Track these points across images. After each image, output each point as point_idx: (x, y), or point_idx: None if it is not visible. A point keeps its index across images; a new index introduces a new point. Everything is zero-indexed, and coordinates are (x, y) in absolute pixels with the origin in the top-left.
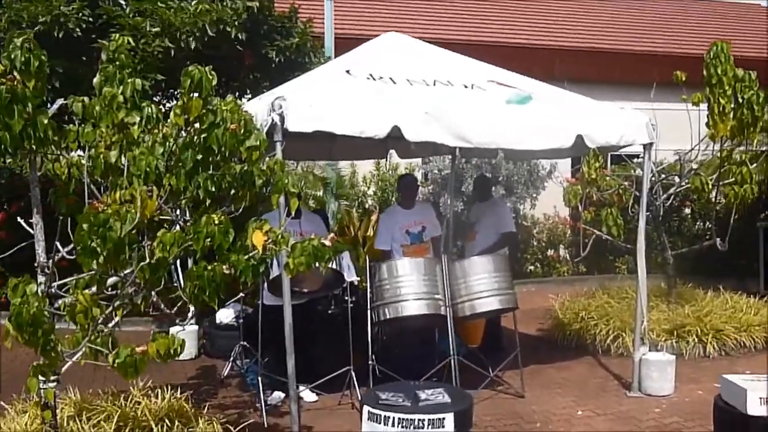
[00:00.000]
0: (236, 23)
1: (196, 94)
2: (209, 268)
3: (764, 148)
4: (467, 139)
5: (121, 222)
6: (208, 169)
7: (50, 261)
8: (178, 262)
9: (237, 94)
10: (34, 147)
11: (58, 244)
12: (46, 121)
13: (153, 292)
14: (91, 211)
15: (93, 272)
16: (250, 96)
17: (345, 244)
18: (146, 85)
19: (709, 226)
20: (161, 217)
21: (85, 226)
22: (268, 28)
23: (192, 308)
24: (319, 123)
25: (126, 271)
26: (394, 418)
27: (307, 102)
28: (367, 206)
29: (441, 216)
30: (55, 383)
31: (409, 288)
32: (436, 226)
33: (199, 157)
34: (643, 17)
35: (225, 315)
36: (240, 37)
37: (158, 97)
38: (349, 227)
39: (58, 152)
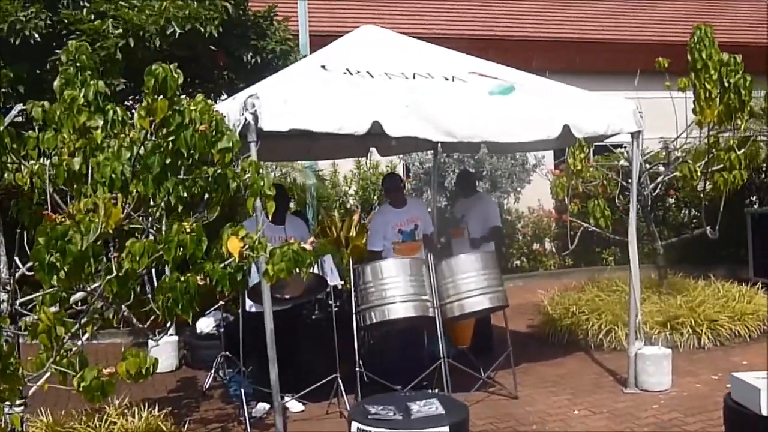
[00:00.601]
0: (211, 20)
1: (161, 96)
2: (182, 279)
3: (749, 134)
4: (450, 132)
5: (81, 234)
6: (178, 173)
7: (11, 278)
8: (153, 272)
9: (212, 95)
10: None
11: (17, 259)
12: (1, 128)
13: (123, 306)
14: (48, 223)
15: (54, 289)
16: (225, 98)
17: (328, 246)
18: (108, 88)
19: (696, 214)
20: (131, 225)
21: (41, 240)
22: (243, 27)
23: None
24: (294, 120)
25: (93, 285)
26: None
27: (281, 98)
28: (348, 206)
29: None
30: (21, 407)
31: (396, 290)
32: (428, 223)
33: (168, 161)
34: (624, 5)
35: (206, 324)
36: (214, 33)
37: (130, 101)
38: (330, 228)
39: (18, 161)
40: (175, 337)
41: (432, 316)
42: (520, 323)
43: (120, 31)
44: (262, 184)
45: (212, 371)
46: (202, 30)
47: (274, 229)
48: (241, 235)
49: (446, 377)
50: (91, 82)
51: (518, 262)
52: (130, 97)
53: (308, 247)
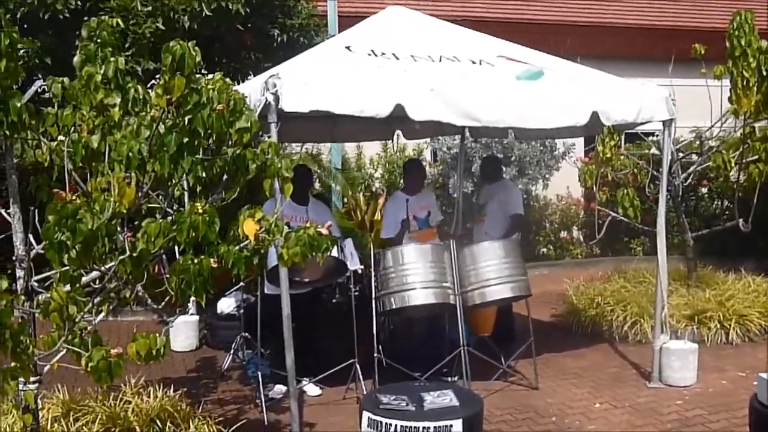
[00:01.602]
0: None
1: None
2: (195, 261)
3: None
4: (475, 117)
5: (92, 213)
6: (195, 153)
7: (27, 255)
8: (177, 253)
9: (238, 76)
10: (7, 132)
11: (31, 237)
12: (18, 104)
13: (139, 287)
14: (58, 201)
15: (66, 268)
16: (251, 78)
17: (350, 228)
18: (139, 67)
19: (728, 205)
20: (150, 205)
21: (51, 218)
22: (270, 6)
23: (192, 300)
24: (315, 102)
25: (108, 265)
26: (396, 425)
27: (303, 79)
28: (374, 189)
29: (450, 198)
30: (36, 384)
31: (416, 276)
32: (438, 213)
33: (185, 140)
34: None
35: (226, 304)
36: (241, 12)
37: (156, 81)
38: (355, 211)
39: (37, 137)
40: (196, 317)
41: (453, 304)
42: (543, 312)
43: (149, 8)
44: (279, 165)
45: (231, 352)
46: (229, 7)
47: (297, 208)
48: (257, 217)
49: (466, 365)
50: (112, 59)
51: (544, 249)
52: (156, 77)
53: (324, 231)
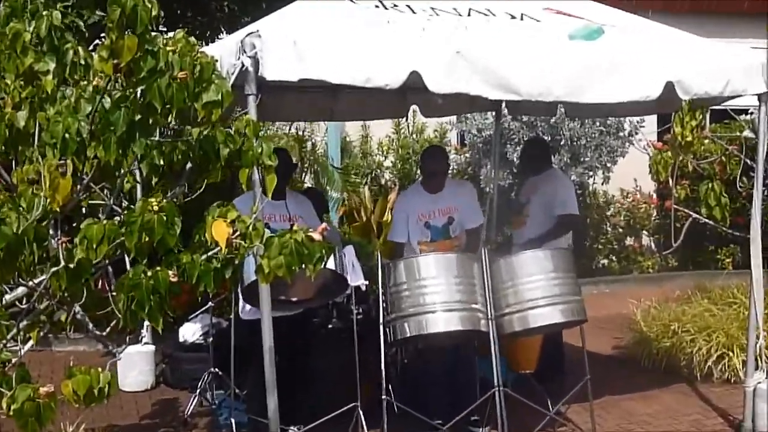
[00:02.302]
0: None
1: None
2: (149, 274)
3: None
4: (514, 89)
5: (17, 212)
6: (149, 134)
7: None
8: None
9: (207, 34)
10: None
11: None
12: None
13: (77, 307)
14: None
15: None
16: (224, 36)
17: (354, 232)
18: (82, 22)
19: None
20: (92, 202)
21: None
22: None
23: (146, 326)
24: (307, 68)
25: (38, 280)
26: None
27: (290, 39)
28: (383, 182)
29: (482, 194)
30: None
31: (437, 295)
32: (472, 215)
33: (137, 118)
34: None
35: (190, 331)
36: None
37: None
38: (359, 211)
39: None
40: (152, 347)
41: (485, 331)
42: (602, 343)
43: None
44: (259, 150)
45: (197, 393)
46: None
47: (274, 205)
48: (230, 217)
49: (501, 411)
50: (45, 13)
51: (605, 261)
52: (102, 35)
53: (317, 236)
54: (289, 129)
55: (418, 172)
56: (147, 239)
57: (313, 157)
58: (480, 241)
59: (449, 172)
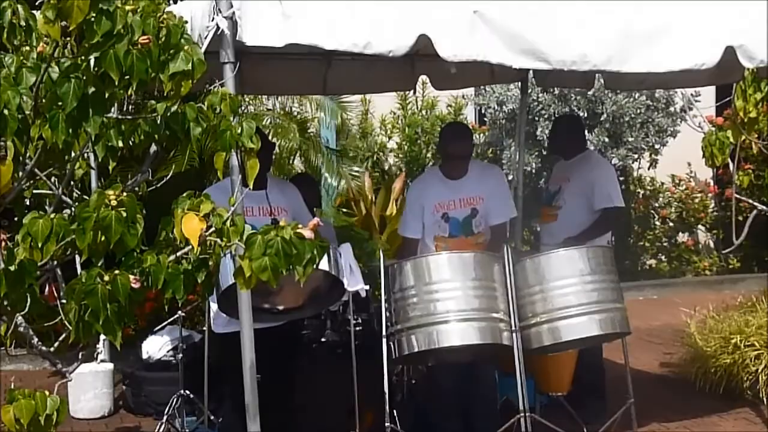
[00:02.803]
0: None
1: None
2: (106, 278)
3: None
4: (542, 55)
5: None
6: (105, 111)
7: None
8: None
9: None
10: None
11: None
12: None
13: (20, 317)
14: None
15: None
16: None
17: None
18: None
19: None
20: (37, 192)
21: None
22: None
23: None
24: (295, 32)
25: None
26: None
27: None
28: (387, 167)
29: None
30: None
31: (451, 301)
32: (501, 206)
33: (90, 91)
34: None
35: (156, 346)
36: None
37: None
38: (358, 202)
39: None
40: (110, 366)
41: (508, 345)
42: (649, 359)
43: None
44: (238, 130)
45: (164, 420)
46: None
47: (252, 196)
48: (203, 210)
49: None
50: None
51: (652, 261)
52: None
53: (308, 232)
54: (275, 104)
55: (429, 156)
56: (103, 237)
57: (303, 138)
58: (501, 238)
59: None
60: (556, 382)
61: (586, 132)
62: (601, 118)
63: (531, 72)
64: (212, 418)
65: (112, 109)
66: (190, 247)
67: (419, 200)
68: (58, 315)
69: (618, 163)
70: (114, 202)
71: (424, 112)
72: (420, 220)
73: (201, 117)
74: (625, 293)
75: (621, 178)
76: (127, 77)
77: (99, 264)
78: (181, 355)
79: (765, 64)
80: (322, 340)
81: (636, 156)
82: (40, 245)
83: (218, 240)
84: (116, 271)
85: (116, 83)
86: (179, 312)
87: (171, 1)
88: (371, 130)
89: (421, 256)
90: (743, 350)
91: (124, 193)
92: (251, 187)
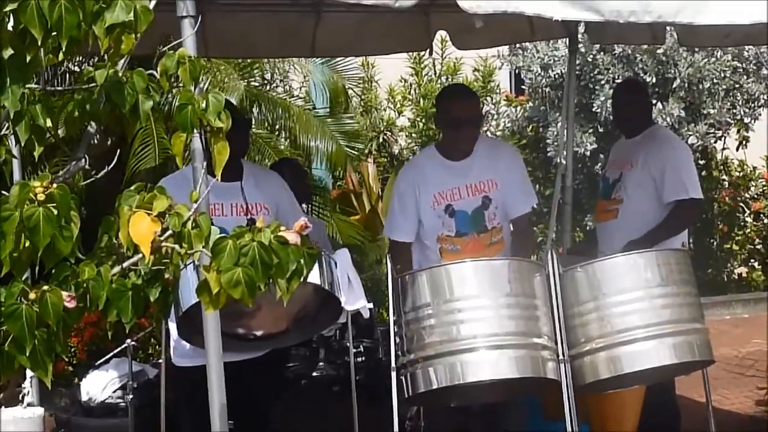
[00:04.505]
0: None
1: None
2: (32, 296)
3: None
4: (594, 5)
5: None
6: (26, 79)
7: None
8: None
9: None
10: None
11: None
12: None
13: None
14: None
15: None
16: None
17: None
18: None
19: None
20: None
21: None
22: None
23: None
24: None
25: None
26: None
27: None
28: (396, 151)
29: (548, 165)
30: None
31: (480, 324)
32: (519, 193)
33: (7, 53)
34: None
35: (98, 384)
36: None
37: None
38: (359, 195)
39: None
40: (39, 410)
41: (554, 379)
42: (739, 396)
43: None
44: (202, 105)
45: None
46: None
47: (223, 190)
48: (157, 208)
49: None
50: None
51: (742, 269)
52: None
53: (293, 236)
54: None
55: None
56: (28, 243)
57: (288, 113)
58: (523, 235)
59: (488, 129)
60: (618, 423)
61: (654, 102)
62: (674, 85)
63: (581, 25)
64: None
65: (37, 78)
66: (140, 255)
67: (413, 189)
68: None
69: (696, 143)
70: (42, 197)
71: (443, 78)
72: (414, 216)
73: (152, 87)
74: (706, 311)
75: (700, 162)
76: (54, 34)
77: (23, 278)
78: (131, 396)
79: None
80: (314, 374)
81: (719, 133)
82: None
83: (177, 247)
84: (45, 287)
85: (39, 42)
86: (128, 341)
87: None
88: (376, 104)
89: (439, 267)
90: None
91: (55, 185)
92: (219, 177)
